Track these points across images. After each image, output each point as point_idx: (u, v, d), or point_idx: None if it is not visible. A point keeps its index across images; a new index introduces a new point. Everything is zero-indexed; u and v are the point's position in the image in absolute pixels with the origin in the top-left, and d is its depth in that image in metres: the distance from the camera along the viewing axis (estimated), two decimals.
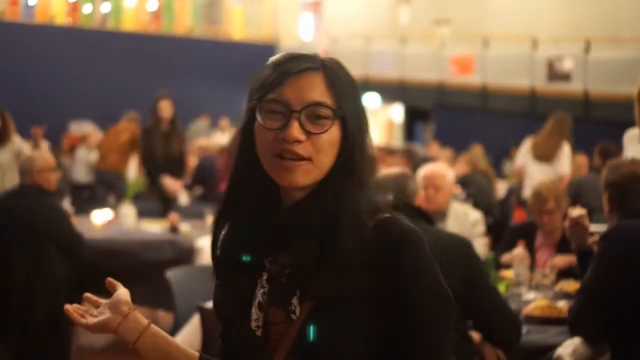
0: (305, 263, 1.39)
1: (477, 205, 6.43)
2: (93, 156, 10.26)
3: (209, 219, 6.56)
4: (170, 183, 7.18)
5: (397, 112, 20.02)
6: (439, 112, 16.55)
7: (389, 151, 10.55)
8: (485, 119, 14.97)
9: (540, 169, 7.10)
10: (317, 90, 1.41)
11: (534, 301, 3.44)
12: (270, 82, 1.42)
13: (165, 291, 3.96)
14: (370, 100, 18.87)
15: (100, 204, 7.47)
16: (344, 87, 1.43)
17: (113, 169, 9.27)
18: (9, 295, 4.50)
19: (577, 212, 3.17)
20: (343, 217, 1.40)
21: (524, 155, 7.42)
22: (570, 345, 2.96)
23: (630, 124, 4.18)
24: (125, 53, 17.00)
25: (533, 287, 3.77)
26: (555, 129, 7.25)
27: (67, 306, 1.49)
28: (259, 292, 1.43)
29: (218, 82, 17.77)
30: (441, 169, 4.45)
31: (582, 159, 8.28)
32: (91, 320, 1.49)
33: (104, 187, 9.42)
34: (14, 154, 5.82)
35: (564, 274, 3.97)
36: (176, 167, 7.25)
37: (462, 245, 3.04)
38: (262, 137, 1.41)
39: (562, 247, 4.20)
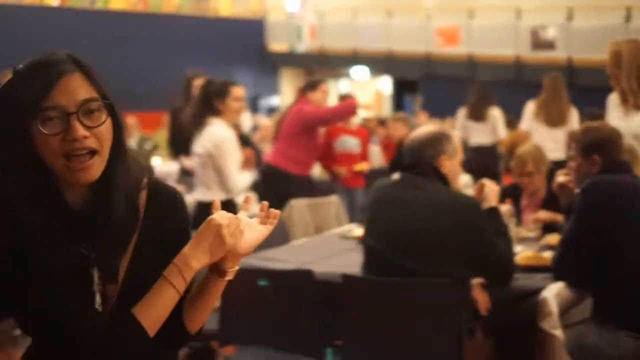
0: (110, 246, 1.61)
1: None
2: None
3: None
4: (188, 163, 7.50)
5: (385, 84, 20.30)
6: (426, 83, 16.83)
7: (380, 122, 10.88)
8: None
9: (550, 135, 7.21)
10: (83, 88, 1.53)
11: (521, 253, 3.76)
12: (36, 92, 1.50)
13: None
14: (359, 73, 19.14)
15: None
16: (100, 78, 1.58)
17: None
18: None
19: (562, 178, 3.53)
20: (122, 197, 1.61)
21: (529, 120, 7.51)
22: (554, 289, 3.31)
23: (612, 89, 4.51)
24: (114, 32, 17.18)
25: (520, 240, 4.10)
26: (559, 94, 7.35)
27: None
28: (95, 276, 1.60)
29: (206, 59, 17.97)
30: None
31: None
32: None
33: None
34: None
35: (548, 229, 4.31)
36: None
37: (471, 204, 3.32)
38: (47, 144, 1.51)
39: (546, 206, 4.54)
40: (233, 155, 5.03)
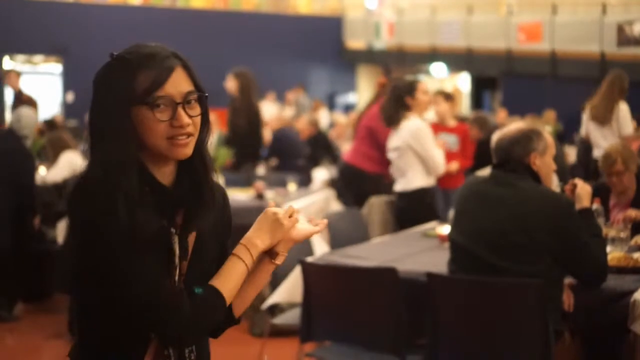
0: (191, 224, 1.78)
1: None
2: None
3: (291, 187, 6.89)
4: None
5: (464, 81, 20.08)
6: (506, 80, 16.58)
7: (458, 120, 10.76)
8: (555, 86, 14.96)
9: (600, 132, 7.05)
10: (185, 81, 1.75)
11: (610, 253, 3.65)
12: (152, 82, 1.70)
13: None
14: (437, 70, 18.97)
15: None
16: (195, 72, 1.78)
17: None
18: None
19: None
20: (209, 178, 1.82)
21: (585, 120, 7.34)
22: None
23: None
24: (194, 30, 17.43)
25: (609, 241, 3.98)
26: (607, 90, 7.11)
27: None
28: (177, 250, 1.74)
29: (285, 56, 18.10)
30: None
31: None
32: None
33: None
34: None
35: (637, 229, 4.17)
36: (241, 141, 7.59)
37: (563, 204, 3.24)
38: (155, 128, 1.70)
39: (636, 205, 4.40)
40: (430, 138, 5.58)
